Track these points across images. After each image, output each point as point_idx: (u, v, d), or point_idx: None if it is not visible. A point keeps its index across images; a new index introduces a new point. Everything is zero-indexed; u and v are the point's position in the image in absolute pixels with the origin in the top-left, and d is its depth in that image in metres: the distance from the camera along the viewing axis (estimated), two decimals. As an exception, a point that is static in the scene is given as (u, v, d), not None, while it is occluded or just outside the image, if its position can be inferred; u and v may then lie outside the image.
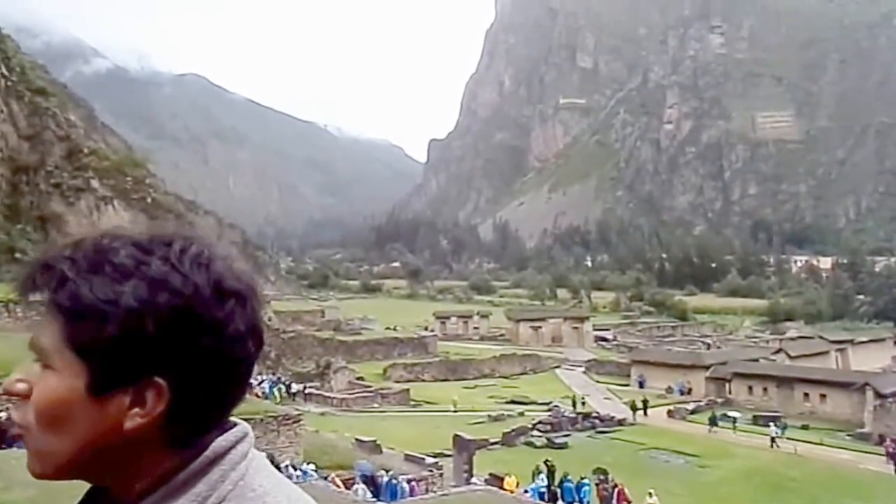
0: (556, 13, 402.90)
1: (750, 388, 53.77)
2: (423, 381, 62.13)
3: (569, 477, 27.79)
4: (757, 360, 60.17)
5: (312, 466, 23.52)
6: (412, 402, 51.96)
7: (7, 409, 19.92)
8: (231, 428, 1.02)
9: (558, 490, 27.46)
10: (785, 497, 30.98)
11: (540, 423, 42.65)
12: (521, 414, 46.89)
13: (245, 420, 1.05)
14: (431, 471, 27.68)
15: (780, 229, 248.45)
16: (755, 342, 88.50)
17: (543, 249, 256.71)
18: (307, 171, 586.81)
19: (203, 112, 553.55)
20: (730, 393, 54.48)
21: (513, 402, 52.23)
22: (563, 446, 38.39)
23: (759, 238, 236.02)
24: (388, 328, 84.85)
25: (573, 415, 44.97)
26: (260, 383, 44.50)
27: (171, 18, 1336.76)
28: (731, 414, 46.73)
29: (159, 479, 0.97)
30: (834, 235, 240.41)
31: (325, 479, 22.56)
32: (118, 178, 70.61)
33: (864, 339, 76.99)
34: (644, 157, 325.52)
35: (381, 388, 54.25)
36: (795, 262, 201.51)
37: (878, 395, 45.63)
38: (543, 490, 27.28)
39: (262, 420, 23.39)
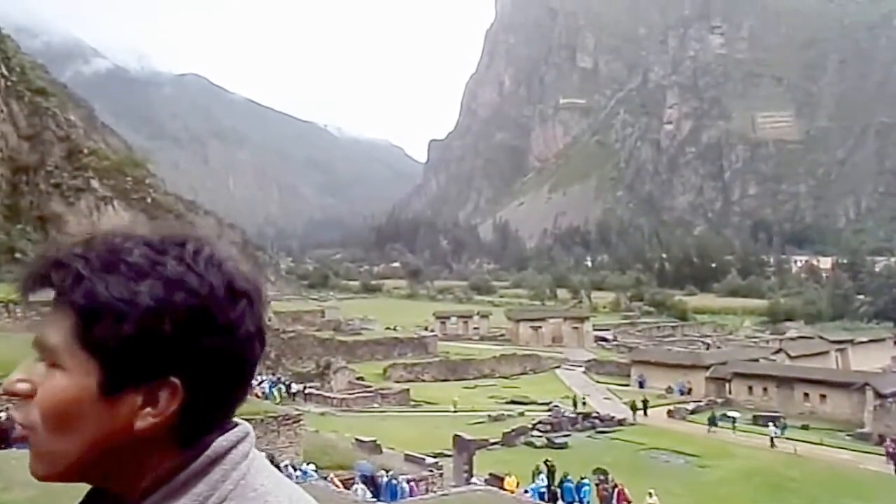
0: (556, 13, 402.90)
1: (750, 388, 53.75)
2: (423, 381, 62.12)
3: (569, 477, 27.79)
4: (757, 360, 60.16)
5: (312, 467, 23.51)
6: (412, 403, 51.94)
7: (7, 409, 19.91)
8: (232, 428, 1.02)
9: (558, 490, 27.46)
10: (785, 497, 30.97)
11: (540, 423, 42.63)
12: (521, 414, 46.89)
13: (245, 420, 1.05)
14: (431, 471, 27.66)
15: (780, 229, 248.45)
16: (755, 342, 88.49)
17: (543, 249, 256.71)
18: (307, 171, 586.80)
19: (203, 112, 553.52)
20: (730, 393, 54.47)
21: (513, 402, 52.22)
22: (563, 446, 38.37)
23: (759, 238, 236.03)
24: (388, 328, 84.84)
25: (573, 415, 44.96)
26: (260, 383, 44.45)
27: (171, 18, 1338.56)
28: (730, 414, 46.72)
29: (160, 479, 0.97)
30: (834, 235, 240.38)
31: (325, 479, 22.57)
32: (118, 178, 70.61)
33: (864, 339, 76.95)
34: (644, 158, 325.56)
35: (381, 389, 54.24)
36: (795, 262, 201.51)
37: (878, 395, 45.61)
38: (543, 490, 27.28)
39: (262, 420, 23.37)
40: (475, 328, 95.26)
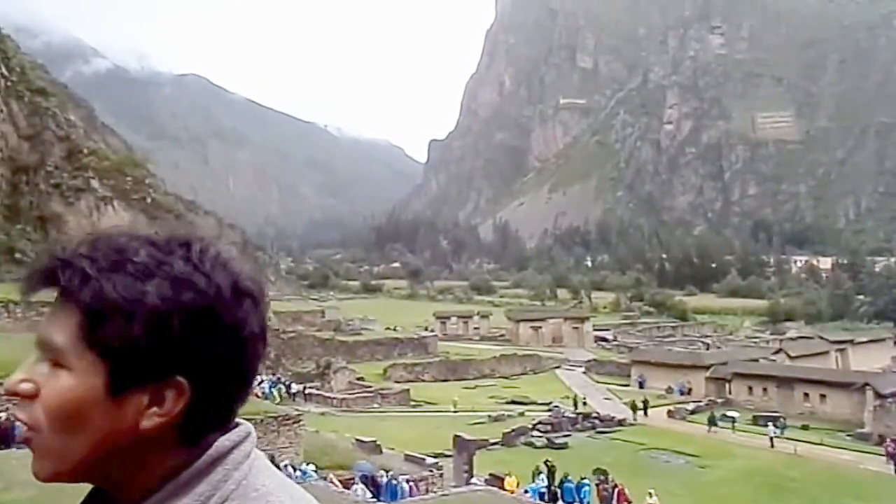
0: (556, 13, 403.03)
1: (750, 388, 53.74)
2: (424, 381, 62.11)
3: (569, 477, 27.79)
4: (757, 361, 60.15)
5: (312, 467, 23.53)
6: (412, 403, 51.94)
7: (7, 409, 19.90)
8: (234, 428, 1.02)
9: (558, 490, 27.47)
10: (785, 497, 30.97)
11: (540, 423, 42.64)
12: (522, 414, 46.91)
13: (245, 420, 1.06)
14: (431, 471, 27.67)
15: (780, 229, 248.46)
16: (755, 342, 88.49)
17: (543, 250, 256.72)
18: (307, 171, 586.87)
19: (203, 112, 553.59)
20: (730, 393, 54.46)
21: (513, 402, 52.23)
22: (563, 446, 38.38)
23: (759, 238, 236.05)
24: (388, 328, 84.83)
25: (573, 415, 44.97)
26: (260, 383, 44.40)
27: (171, 18, 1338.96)
28: (729, 414, 46.76)
29: (162, 479, 0.97)
30: (834, 235, 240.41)
31: (324, 479, 22.58)
32: (118, 178, 70.61)
33: (864, 339, 76.92)
34: (644, 158, 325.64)
35: (382, 389, 54.23)
36: (795, 262, 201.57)
37: (878, 395, 45.60)
38: (543, 490, 27.29)
39: (262, 420, 23.38)
40: (475, 328, 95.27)
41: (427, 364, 66.81)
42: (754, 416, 47.23)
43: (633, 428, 44.20)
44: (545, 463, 29.43)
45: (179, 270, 0.95)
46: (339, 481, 22.77)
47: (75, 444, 0.94)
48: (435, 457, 30.41)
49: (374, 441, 32.95)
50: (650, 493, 25.92)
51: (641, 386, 58.87)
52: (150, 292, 0.92)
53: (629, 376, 62.08)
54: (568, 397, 51.91)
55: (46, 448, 0.95)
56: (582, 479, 28.05)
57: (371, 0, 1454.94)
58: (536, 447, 38.17)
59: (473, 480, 26.13)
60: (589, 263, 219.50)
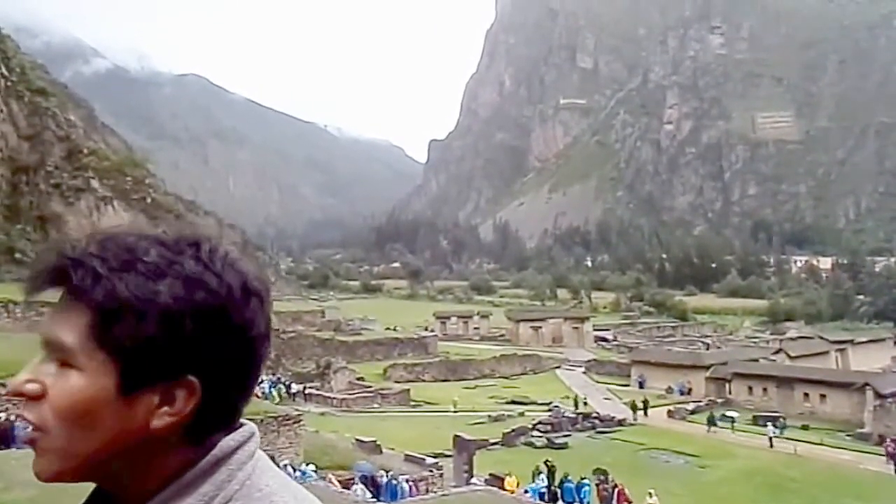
0: (556, 13, 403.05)
1: (750, 388, 53.73)
2: (424, 381, 62.07)
3: (569, 477, 27.79)
4: (757, 361, 60.13)
5: (312, 467, 23.52)
6: (412, 403, 51.92)
7: (6, 409, 19.90)
8: (238, 428, 1.02)
9: (558, 490, 27.47)
10: (785, 497, 30.97)
11: (540, 423, 42.62)
12: (522, 414, 46.89)
13: (248, 420, 1.05)
14: (431, 471, 27.66)
15: (780, 229, 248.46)
16: (755, 342, 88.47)
17: (544, 250, 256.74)
18: (307, 171, 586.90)
19: (203, 112, 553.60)
20: (730, 393, 54.45)
21: (513, 402, 52.21)
22: (563, 446, 38.36)
23: (759, 238, 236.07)
24: (388, 328, 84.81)
25: (573, 415, 44.96)
26: (260, 383, 44.23)
27: (171, 18, 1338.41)
28: (728, 414, 46.77)
29: (166, 479, 0.97)
30: (834, 235, 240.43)
31: (323, 479, 22.58)
32: (118, 178, 70.68)
33: (864, 339, 76.91)
34: (644, 158, 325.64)
35: (382, 389, 54.20)
36: (795, 262, 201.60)
37: (878, 395, 45.60)
38: (543, 490, 27.29)
39: (262, 420, 23.35)
40: (475, 328, 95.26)
41: (427, 364, 66.78)
42: (754, 416, 47.22)
43: (633, 428, 44.18)
44: (545, 463, 29.43)
45: (191, 270, 0.95)
46: (339, 481, 22.77)
47: (83, 444, 0.93)
48: (435, 457, 30.40)
49: (374, 441, 32.94)
50: (650, 493, 25.92)
51: (641, 386, 58.86)
52: (163, 292, 0.92)
53: (629, 376, 62.07)
54: (568, 397, 51.90)
55: (51, 448, 0.94)
56: (582, 479, 28.05)
57: (371, 0, 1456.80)
58: (536, 447, 38.15)
59: (473, 480, 26.13)
60: (589, 263, 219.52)
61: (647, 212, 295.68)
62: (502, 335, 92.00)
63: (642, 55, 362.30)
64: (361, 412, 47.47)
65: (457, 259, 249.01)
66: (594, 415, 46.08)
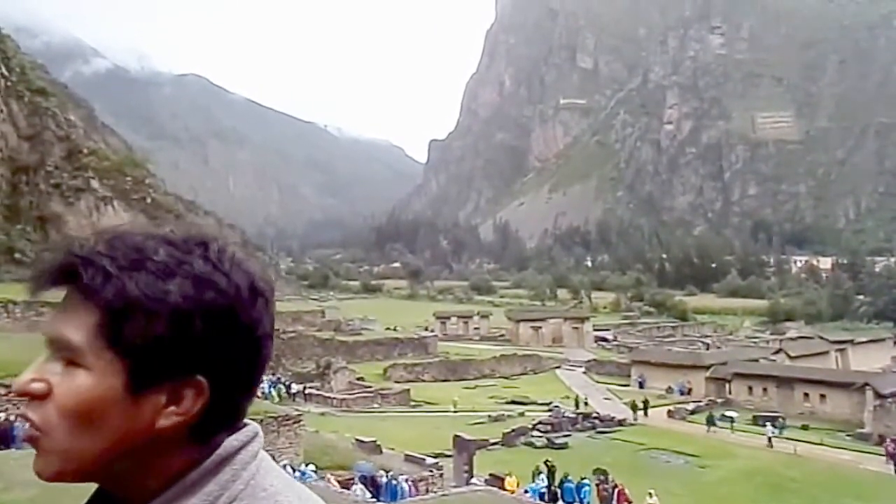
0: (557, 13, 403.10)
1: (750, 388, 53.73)
2: (424, 381, 62.05)
3: (569, 477, 27.78)
4: (757, 361, 60.13)
5: (312, 467, 23.51)
6: (412, 403, 51.90)
7: (6, 409, 19.90)
8: (242, 428, 1.02)
9: (558, 490, 27.46)
10: (785, 497, 30.96)
11: (540, 423, 42.61)
12: (522, 414, 46.88)
13: (251, 420, 1.06)
14: (431, 471, 27.64)
15: (780, 229, 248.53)
16: (755, 342, 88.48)
17: (544, 250, 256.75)
18: (307, 171, 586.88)
19: (203, 112, 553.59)
20: (730, 393, 54.45)
21: (513, 402, 52.19)
22: (563, 446, 38.35)
23: (759, 238, 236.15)
24: (388, 328, 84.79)
25: (573, 415, 44.95)
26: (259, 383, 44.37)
27: (171, 18, 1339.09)
28: (728, 414, 46.77)
29: (170, 479, 0.96)
30: (834, 235, 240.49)
31: (322, 479, 22.57)
32: (118, 178, 70.67)
33: (864, 339, 76.96)
34: (644, 158, 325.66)
35: (382, 389, 54.18)
36: (795, 262, 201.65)
37: (878, 395, 45.59)
38: (543, 490, 27.28)
39: (262, 420, 23.33)
40: (475, 328, 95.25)
41: (427, 364, 66.76)
42: (754, 416, 47.20)
43: (633, 428, 44.17)
44: (545, 463, 29.42)
45: (200, 270, 0.95)
46: (338, 482, 22.76)
47: (88, 444, 0.93)
48: (435, 457, 30.38)
49: (374, 441, 32.92)
50: (650, 493, 25.91)
51: (641, 386, 58.87)
52: (173, 291, 0.92)
53: (629, 376, 62.07)
54: (568, 397, 51.91)
55: (54, 448, 0.93)
56: (582, 479, 28.04)
57: (371, 0, 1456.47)
58: (536, 447, 38.14)
59: (473, 480, 26.12)
60: (589, 263, 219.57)
61: (647, 212, 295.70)
62: (502, 335, 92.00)
63: (642, 55, 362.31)
64: (361, 412, 47.45)
65: (457, 259, 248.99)
66: (594, 415, 46.06)
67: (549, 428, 41.97)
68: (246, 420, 1.04)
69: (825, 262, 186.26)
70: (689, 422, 46.67)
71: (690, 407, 50.53)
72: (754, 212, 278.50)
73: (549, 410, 46.28)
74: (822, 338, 73.89)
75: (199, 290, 0.94)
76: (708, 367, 57.47)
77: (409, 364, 65.48)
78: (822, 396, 50.18)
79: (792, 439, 41.18)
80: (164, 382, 0.93)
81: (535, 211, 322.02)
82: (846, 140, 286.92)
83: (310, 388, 51.86)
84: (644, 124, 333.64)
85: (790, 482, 32.79)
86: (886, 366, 67.58)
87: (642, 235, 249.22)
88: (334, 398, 50.70)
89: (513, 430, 40.38)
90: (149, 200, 71.65)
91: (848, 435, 43.74)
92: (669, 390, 56.75)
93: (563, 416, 44.02)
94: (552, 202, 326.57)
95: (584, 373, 67.88)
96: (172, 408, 0.94)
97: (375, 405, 50.21)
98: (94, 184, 67.05)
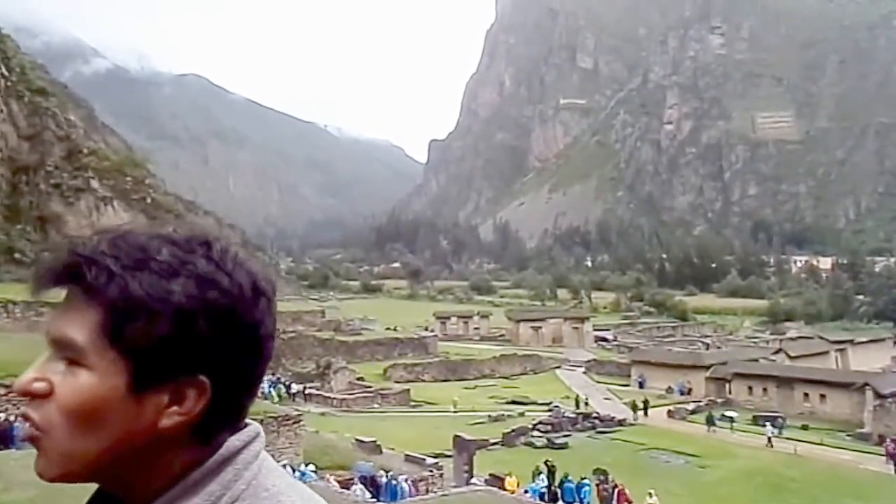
0: (557, 13, 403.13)
1: (750, 388, 53.74)
2: (424, 381, 62.08)
3: (569, 477, 27.79)
4: (757, 361, 60.14)
5: (312, 467, 23.50)
6: (412, 403, 51.91)
7: (6, 409, 19.90)
8: (243, 428, 1.02)
9: (558, 490, 27.46)
10: (785, 497, 30.96)
11: (540, 423, 42.63)
12: (522, 414, 46.88)
13: (253, 420, 1.06)
14: (431, 471, 27.65)
15: (780, 229, 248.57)
16: (755, 342, 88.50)
17: (544, 250, 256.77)
18: (307, 171, 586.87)
19: (203, 112, 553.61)
20: (730, 393, 54.46)
21: (513, 402, 52.19)
22: (564, 446, 38.36)
23: (759, 238, 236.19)
24: (388, 328, 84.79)
25: (573, 415, 44.96)
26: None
27: (171, 18, 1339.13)
28: (728, 414, 46.77)
29: (171, 479, 0.96)
30: (834, 235, 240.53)
31: (323, 479, 22.57)
32: (118, 178, 70.64)
33: (864, 339, 76.99)
34: (644, 158, 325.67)
35: (382, 389, 54.19)
36: (795, 262, 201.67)
37: (878, 395, 45.60)
38: (544, 490, 27.28)
39: (262, 420, 23.26)
40: (475, 328, 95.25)
41: (427, 364, 66.78)
42: (754, 416, 47.21)
43: (633, 428, 44.18)
44: (545, 463, 29.42)
45: (203, 269, 0.95)
46: (338, 482, 22.75)
47: (89, 444, 0.92)
48: (435, 457, 30.39)
49: (374, 441, 32.92)
50: (650, 493, 25.91)
51: (641, 386, 58.88)
52: (177, 291, 0.92)
53: (629, 376, 62.08)
54: (568, 397, 51.91)
55: (56, 448, 0.93)
56: (582, 479, 28.05)
57: (371, 0, 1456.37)
58: (536, 447, 38.15)
59: (473, 480, 26.12)
60: (589, 263, 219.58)
61: (647, 212, 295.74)
62: (502, 335, 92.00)
63: (642, 55, 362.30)
64: (361, 412, 47.45)
65: (457, 259, 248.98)
66: (594, 415, 46.06)
67: (549, 428, 41.99)
68: (247, 420, 1.04)
69: (825, 262, 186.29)
70: (689, 422, 46.68)
71: (690, 407, 50.54)
72: (754, 212, 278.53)
73: (549, 410, 46.28)
74: (822, 338, 73.93)
75: (203, 289, 0.93)
76: (708, 367, 57.49)
77: (409, 364, 65.48)
78: (822, 396, 50.19)
79: (792, 439, 41.20)
80: (167, 382, 0.93)
81: (535, 211, 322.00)
82: (846, 140, 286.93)
83: (310, 388, 51.87)
84: (644, 124, 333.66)
85: (790, 482, 32.79)
86: (886, 366, 67.58)
87: (642, 235, 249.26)
88: (334, 398, 50.70)
89: (513, 430, 40.38)
90: (149, 200, 71.62)
91: (848, 435, 43.74)
92: (669, 390, 56.76)
93: (563, 416, 44.03)
94: (552, 202, 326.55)
95: (584, 373, 67.88)
96: (175, 408, 0.94)
97: (375, 405, 50.22)
98: (94, 184, 67.03)
